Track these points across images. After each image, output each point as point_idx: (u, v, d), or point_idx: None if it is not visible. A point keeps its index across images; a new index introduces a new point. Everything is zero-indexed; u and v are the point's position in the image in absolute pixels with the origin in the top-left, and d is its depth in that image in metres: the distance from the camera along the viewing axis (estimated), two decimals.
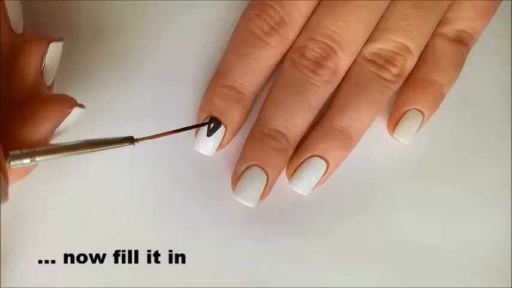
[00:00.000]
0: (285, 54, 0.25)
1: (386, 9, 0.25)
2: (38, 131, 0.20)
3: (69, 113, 0.21)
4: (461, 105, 0.27)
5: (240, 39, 0.25)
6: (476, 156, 0.27)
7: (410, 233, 0.26)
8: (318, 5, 0.25)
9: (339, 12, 0.24)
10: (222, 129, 0.24)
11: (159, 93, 0.26)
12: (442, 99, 0.26)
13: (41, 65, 0.21)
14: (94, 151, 0.20)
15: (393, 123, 0.26)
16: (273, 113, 0.25)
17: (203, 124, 0.24)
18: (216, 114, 0.24)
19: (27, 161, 0.20)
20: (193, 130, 0.25)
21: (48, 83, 0.22)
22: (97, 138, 0.20)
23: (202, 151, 0.25)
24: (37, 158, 0.20)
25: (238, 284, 0.25)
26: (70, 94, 0.21)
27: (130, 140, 0.21)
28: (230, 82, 0.24)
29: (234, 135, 0.25)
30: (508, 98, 0.28)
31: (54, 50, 0.22)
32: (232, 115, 0.25)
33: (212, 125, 0.24)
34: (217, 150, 0.25)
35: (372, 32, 0.25)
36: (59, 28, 0.26)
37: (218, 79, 0.25)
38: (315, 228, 0.26)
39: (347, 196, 0.26)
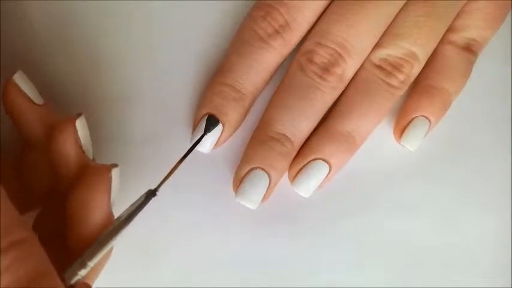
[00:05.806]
0: (292, 58, 0.25)
1: (396, 15, 0.25)
2: (102, 200, 0.20)
3: (111, 177, 0.21)
4: (460, 105, 0.27)
5: (244, 39, 0.25)
6: (475, 156, 0.27)
7: (411, 233, 0.26)
8: (324, 10, 0.25)
9: (350, 19, 0.24)
10: (219, 127, 0.25)
11: (160, 93, 0.26)
12: (449, 107, 0.26)
13: (79, 144, 0.21)
14: (129, 223, 0.20)
15: (400, 130, 0.26)
16: (279, 116, 0.24)
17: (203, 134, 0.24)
18: (215, 112, 0.24)
19: (83, 271, 0.19)
20: (191, 127, 0.25)
21: (91, 157, 0.22)
22: (124, 211, 0.20)
23: (199, 148, 0.25)
24: (88, 263, 0.19)
25: (238, 283, 0.25)
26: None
27: (152, 194, 0.21)
28: (231, 81, 0.25)
29: (232, 134, 0.25)
30: (508, 98, 0.28)
31: (81, 125, 0.21)
32: (230, 113, 0.25)
33: (210, 122, 0.24)
34: (213, 148, 0.25)
35: (381, 36, 0.25)
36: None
37: (219, 77, 0.25)
38: (315, 228, 0.26)
39: (347, 196, 0.26)
